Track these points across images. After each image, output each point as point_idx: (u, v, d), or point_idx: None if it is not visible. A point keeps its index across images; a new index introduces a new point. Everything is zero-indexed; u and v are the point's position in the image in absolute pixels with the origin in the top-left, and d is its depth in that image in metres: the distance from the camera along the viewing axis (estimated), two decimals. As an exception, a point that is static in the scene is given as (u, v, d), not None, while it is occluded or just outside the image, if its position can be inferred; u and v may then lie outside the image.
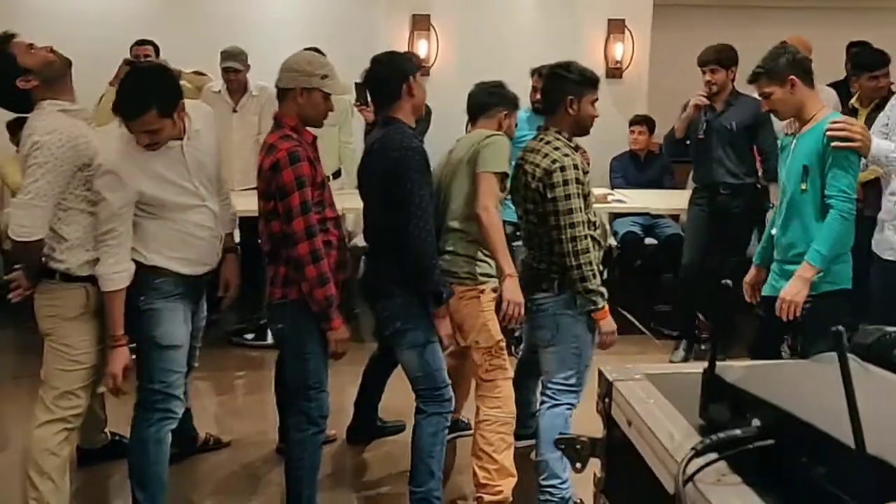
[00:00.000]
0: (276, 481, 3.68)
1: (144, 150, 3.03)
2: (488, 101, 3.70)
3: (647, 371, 1.10)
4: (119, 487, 3.77)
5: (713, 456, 0.87)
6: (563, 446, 1.16)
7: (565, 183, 3.27)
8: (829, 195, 3.37)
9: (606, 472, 1.11)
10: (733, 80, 5.24)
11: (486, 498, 3.45)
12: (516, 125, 3.91)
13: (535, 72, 5.25)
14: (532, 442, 4.00)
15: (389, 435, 4.29)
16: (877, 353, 1.00)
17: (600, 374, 1.12)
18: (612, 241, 6.53)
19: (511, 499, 3.47)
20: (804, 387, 0.94)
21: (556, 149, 3.32)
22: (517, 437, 3.78)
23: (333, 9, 6.97)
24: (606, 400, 1.09)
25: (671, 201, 6.10)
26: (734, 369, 0.97)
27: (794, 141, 3.54)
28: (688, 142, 5.43)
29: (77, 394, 3.16)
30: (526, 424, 3.91)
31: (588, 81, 3.43)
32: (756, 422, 0.87)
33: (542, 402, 3.48)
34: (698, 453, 0.86)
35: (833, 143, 3.31)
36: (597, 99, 3.48)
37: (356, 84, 5.98)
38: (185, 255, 3.18)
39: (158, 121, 2.98)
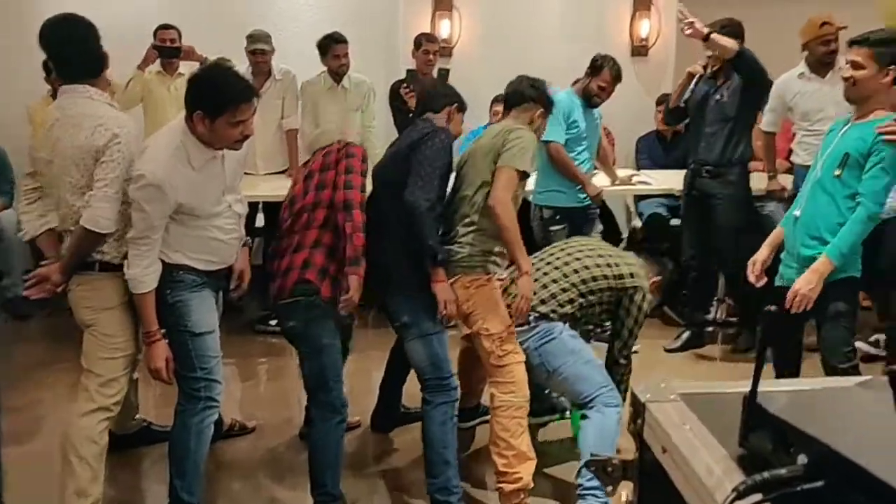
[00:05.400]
0: (301, 468, 3.68)
1: (189, 163, 3.04)
2: (529, 93, 3.67)
3: (682, 391, 1.05)
4: (151, 472, 3.82)
5: (757, 497, 0.82)
6: (593, 468, 1.11)
7: None
8: (862, 193, 3.33)
9: (638, 497, 1.07)
10: None
11: (507, 487, 3.43)
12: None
13: (608, 66, 5.03)
14: (550, 417, 4.08)
15: (413, 422, 4.25)
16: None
17: (633, 394, 1.07)
18: (638, 223, 6.47)
19: (532, 484, 3.46)
20: (852, 419, 0.89)
21: None
22: (534, 412, 3.83)
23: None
24: (639, 421, 1.04)
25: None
26: (777, 397, 0.92)
27: (846, 127, 3.46)
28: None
29: (120, 381, 3.23)
30: (541, 399, 3.94)
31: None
32: (802, 458, 0.82)
33: (591, 409, 3.47)
34: (741, 495, 0.81)
35: (884, 138, 3.26)
36: None
37: (407, 70, 5.96)
38: (208, 257, 3.22)
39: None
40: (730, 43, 4.70)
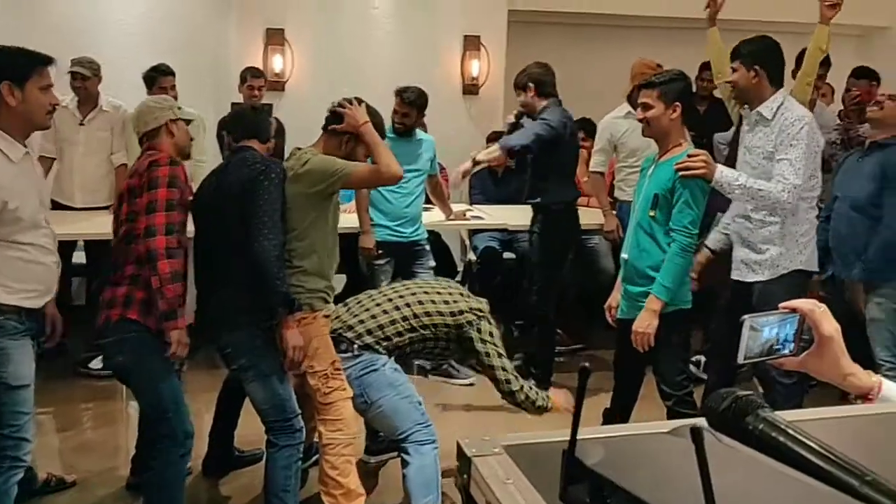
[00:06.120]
0: (128, 522, 3.51)
1: (6, 156, 2.89)
2: (331, 121, 3.58)
3: (506, 443, 1.07)
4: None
5: (574, 553, 0.85)
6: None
7: None
8: (673, 228, 3.53)
9: (467, 551, 1.08)
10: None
11: None
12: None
13: (399, 94, 5.21)
14: (389, 455, 3.98)
15: (247, 465, 4.16)
16: (729, 422, 1.00)
17: (459, 447, 1.09)
18: (472, 256, 6.59)
19: None
20: (663, 469, 0.93)
21: None
22: (371, 451, 3.84)
23: (183, 21, 6.71)
24: (465, 476, 1.06)
25: (529, 217, 6.19)
26: (595, 448, 0.95)
27: (652, 168, 3.67)
28: None
29: None
30: (377, 439, 3.92)
31: None
32: (616, 511, 0.85)
33: (405, 449, 3.46)
34: (559, 551, 0.84)
35: (680, 174, 3.46)
36: None
37: (232, 104, 5.81)
38: (32, 285, 3.02)
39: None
40: (496, 153, 5.00)
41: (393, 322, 3.58)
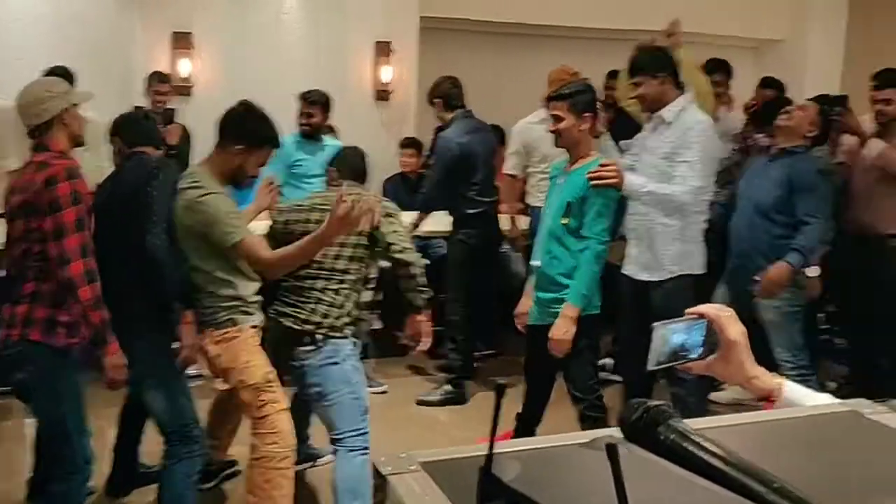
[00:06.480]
0: (23, 548, 3.37)
1: None
2: (227, 131, 3.35)
3: (423, 460, 1.06)
4: None
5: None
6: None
7: None
8: (587, 236, 3.57)
9: (384, 570, 1.06)
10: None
11: None
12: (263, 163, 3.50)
13: (302, 97, 5.21)
14: (303, 466, 4.02)
15: (153, 482, 4.00)
16: (641, 432, 1.01)
17: (374, 467, 1.07)
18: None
19: None
20: (581, 482, 0.93)
21: None
22: None
23: (88, 24, 6.47)
24: (381, 494, 1.04)
25: (442, 223, 6.20)
26: (511, 463, 0.95)
27: (564, 176, 3.72)
28: None
29: None
30: (299, 448, 3.87)
31: None
32: (533, 528, 0.85)
33: (336, 451, 3.45)
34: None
35: (592, 183, 3.51)
36: None
37: (135, 107, 5.67)
38: None
39: None
40: (422, 221, 5.43)
41: (337, 292, 3.52)
